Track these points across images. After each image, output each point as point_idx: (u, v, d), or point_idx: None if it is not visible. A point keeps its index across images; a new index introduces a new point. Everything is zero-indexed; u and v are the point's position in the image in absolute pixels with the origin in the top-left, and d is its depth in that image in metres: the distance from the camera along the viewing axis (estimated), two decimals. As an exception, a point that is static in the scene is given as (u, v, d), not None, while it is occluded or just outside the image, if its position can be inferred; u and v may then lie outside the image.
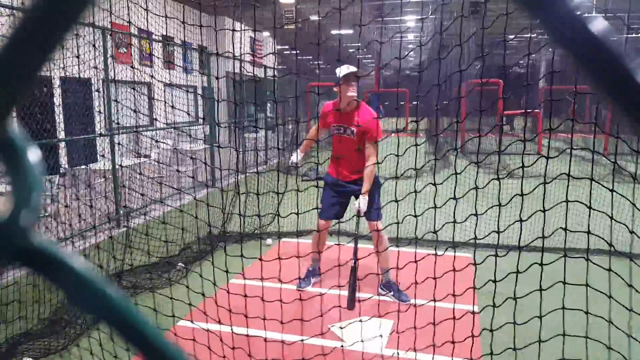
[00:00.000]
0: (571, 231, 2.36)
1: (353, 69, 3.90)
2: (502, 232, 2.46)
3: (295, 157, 4.22)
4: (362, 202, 3.84)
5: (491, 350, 2.51)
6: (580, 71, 0.25)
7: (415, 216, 2.59)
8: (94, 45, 4.52)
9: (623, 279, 2.07)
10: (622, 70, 0.23)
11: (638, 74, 0.23)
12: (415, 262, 2.55)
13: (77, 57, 3.95)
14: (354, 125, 3.92)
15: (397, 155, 2.53)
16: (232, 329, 2.79)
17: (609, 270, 2.18)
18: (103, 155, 3.52)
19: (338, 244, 2.65)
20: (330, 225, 4.30)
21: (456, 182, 2.43)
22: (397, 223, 2.68)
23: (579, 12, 0.23)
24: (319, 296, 3.05)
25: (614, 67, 0.23)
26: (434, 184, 2.52)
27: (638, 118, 0.24)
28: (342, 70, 3.88)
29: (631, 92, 0.23)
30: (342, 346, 3.04)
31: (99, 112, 4.91)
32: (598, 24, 0.24)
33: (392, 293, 4.08)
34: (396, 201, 2.64)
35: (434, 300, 2.64)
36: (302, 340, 2.87)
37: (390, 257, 4.02)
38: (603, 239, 2.36)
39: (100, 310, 0.26)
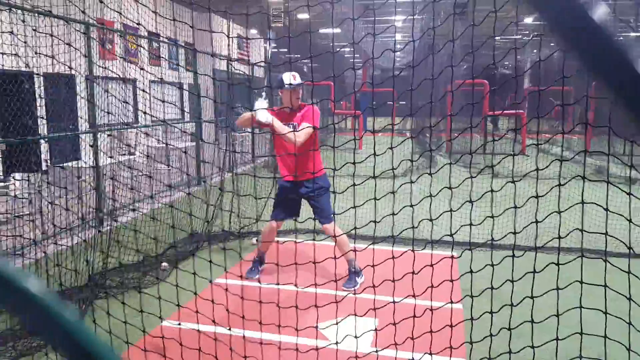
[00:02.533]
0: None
1: (298, 80, 4.09)
2: (520, 231, 2.47)
3: (261, 108, 3.96)
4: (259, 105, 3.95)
5: (509, 348, 2.52)
6: (578, 62, 0.24)
7: (393, 214, 2.59)
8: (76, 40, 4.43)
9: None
10: (624, 62, 0.22)
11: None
12: (393, 259, 2.55)
13: (62, 53, 3.87)
14: (297, 119, 4.12)
15: (375, 155, 2.52)
16: (215, 330, 2.76)
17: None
18: (91, 145, 3.47)
19: (313, 241, 2.63)
20: (281, 226, 4.52)
21: (431, 181, 2.44)
22: (374, 221, 2.68)
23: (579, 1, 0.22)
24: (300, 294, 3.03)
25: (614, 58, 0.22)
26: (426, 184, 2.52)
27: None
28: (288, 79, 4.06)
29: (634, 85, 0.22)
30: (322, 346, 3.03)
31: (84, 106, 4.84)
32: (598, 11, 0.23)
33: (353, 285, 4.22)
34: (393, 195, 2.63)
35: (414, 296, 2.64)
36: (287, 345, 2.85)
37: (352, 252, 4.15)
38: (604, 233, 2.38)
39: (49, 333, 0.23)
